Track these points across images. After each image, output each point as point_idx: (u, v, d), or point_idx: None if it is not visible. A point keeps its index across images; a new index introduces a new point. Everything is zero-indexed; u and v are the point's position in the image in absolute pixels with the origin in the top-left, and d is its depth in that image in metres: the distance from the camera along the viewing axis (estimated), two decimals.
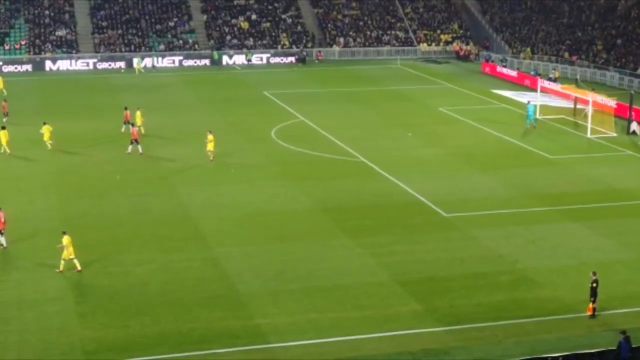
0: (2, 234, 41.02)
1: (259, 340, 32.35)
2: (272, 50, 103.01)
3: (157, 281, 37.39)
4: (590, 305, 33.97)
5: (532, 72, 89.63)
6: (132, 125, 60.28)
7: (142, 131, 62.36)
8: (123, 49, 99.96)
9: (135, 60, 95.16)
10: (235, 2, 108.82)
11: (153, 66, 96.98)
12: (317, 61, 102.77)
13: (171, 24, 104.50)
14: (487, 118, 69.98)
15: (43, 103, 76.47)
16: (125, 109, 64.55)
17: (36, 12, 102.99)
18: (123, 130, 62.75)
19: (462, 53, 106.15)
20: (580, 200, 49.08)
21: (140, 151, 57.96)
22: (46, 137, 59.36)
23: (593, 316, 34.01)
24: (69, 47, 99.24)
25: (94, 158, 57.28)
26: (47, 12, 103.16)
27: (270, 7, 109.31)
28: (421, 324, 33.70)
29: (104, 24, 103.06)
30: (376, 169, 54.96)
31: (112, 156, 57.51)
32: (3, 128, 59.33)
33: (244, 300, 35.57)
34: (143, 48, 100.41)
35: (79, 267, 38.34)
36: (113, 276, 37.87)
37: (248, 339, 32.38)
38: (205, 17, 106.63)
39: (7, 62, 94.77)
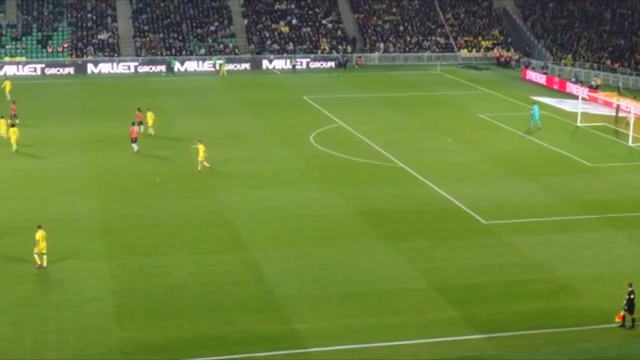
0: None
1: (296, 344, 32.38)
2: (312, 55, 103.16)
3: (195, 283, 37.56)
4: (622, 313, 33.65)
5: (573, 79, 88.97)
6: (133, 124, 60.69)
7: (151, 131, 63.81)
8: (164, 53, 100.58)
9: (219, 63, 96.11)
10: (276, 7, 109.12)
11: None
12: (357, 66, 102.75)
13: (212, 28, 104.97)
14: (527, 124, 69.50)
15: (85, 106, 77.08)
16: (138, 110, 65.19)
17: (79, 15, 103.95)
18: (142, 130, 63.13)
19: (502, 59, 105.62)
20: (621, 208, 48.65)
21: (136, 149, 58.94)
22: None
23: (623, 325, 33.69)
24: (111, 51, 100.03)
25: (134, 160, 57.62)
26: (89, 15, 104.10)
27: (310, 12, 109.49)
28: (458, 331, 33.55)
29: (146, 27, 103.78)
30: (414, 174, 54.84)
31: (152, 159, 57.83)
32: (12, 126, 60.69)
33: (281, 304, 35.64)
34: (184, 52, 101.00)
35: (44, 264, 38.77)
36: (152, 278, 38.10)
37: (284, 343, 32.41)
38: (245, 21, 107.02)
39: (50, 65, 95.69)
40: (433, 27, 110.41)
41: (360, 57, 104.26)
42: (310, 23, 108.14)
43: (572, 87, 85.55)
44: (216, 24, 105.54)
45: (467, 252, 41.74)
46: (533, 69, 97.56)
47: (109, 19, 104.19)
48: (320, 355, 31.71)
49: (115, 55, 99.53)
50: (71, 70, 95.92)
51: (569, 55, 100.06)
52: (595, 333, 33.47)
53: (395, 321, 34.30)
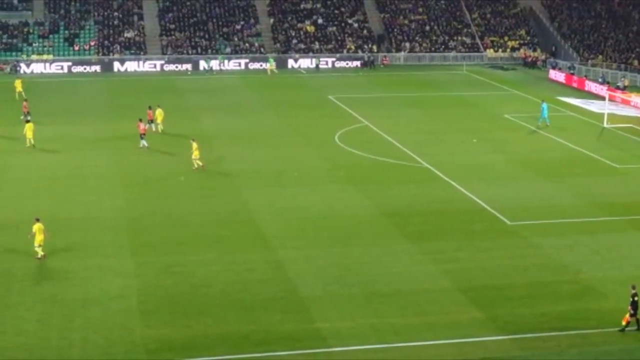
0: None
1: (320, 344, 32.43)
2: (337, 54, 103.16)
3: (220, 282, 37.68)
4: (627, 316, 33.44)
5: (600, 80, 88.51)
6: (140, 120, 61.10)
7: (160, 129, 64.57)
8: (190, 52, 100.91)
9: (269, 64, 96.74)
10: (301, 6, 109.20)
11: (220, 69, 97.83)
12: (382, 66, 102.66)
13: (238, 27, 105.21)
14: (553, 125, 69.22)
15: (111, 104, 77.47)
16: (149, 108, 65.66)
17: (106, 13, 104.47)
18: (153, 129, 63.60)
19: (529, 60, 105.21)
20: None
21: (147, 145, 59.84)
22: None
23: (623, 330, 33.42)
24: (137, 49, 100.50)
25: (160, 158, 57.86)
26: (116, 14, 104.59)
27: (336, 11, 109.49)
28: (483, 332, 33.49)
29: (172, 26, 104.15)
30: (440, 174, 54.75)
31: (177, 157, 58.04)
32: (28, 122, 61.33)
33: (305, 304, 35.69)
34: (210, 51, 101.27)
35: (39, 255, 39.71)
36: (177, 276, 38.26)
37: (308, 343, 32.46)
38: (271, 20, 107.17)
39: (77, 63, 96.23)
40: (459, 26, 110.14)
41: (385, 56, 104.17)
42: (335, 22, 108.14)
43: (590, 86, 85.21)
44: (242, 22, 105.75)
45: (492, 253, 41.65)
46: (560, 69, 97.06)
47: (136, 18, 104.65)
48: (344, 354, 31.74)
49: (142, 53, 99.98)
50: (97, 68, 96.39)
51: (600, 56, 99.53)
52: (620, 335, 33.29)
53: (419, 321, 34.28)
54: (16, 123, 65.37)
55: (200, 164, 54.85)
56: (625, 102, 76.83)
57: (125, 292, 36.54)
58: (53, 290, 36.59)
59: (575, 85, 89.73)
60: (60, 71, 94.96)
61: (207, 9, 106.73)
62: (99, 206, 47.84)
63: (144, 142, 60.02)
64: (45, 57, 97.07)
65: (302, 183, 52.75)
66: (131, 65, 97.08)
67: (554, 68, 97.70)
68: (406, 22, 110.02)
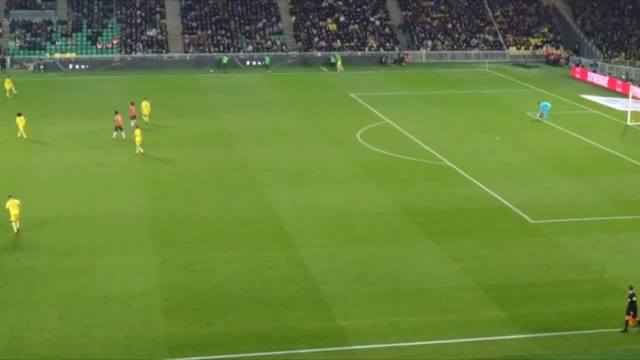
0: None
1: (341, 342, 32.42)
2: (359, 52, 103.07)
3: (242, 280, 37.74)
4: (629, 317, 33.14)
5: (623, 77, 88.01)
6: (117, 112, 62.44)
7: (146, 120, 66.54)
8: (212, 50, 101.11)
9: (336, 59, 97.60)
10: (323, 4, 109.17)
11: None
12: (404, 64, 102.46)
13: (259, 25, 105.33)
14: (576, 123, 68.97)
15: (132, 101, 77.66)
16: (132, 104, 66.48)
17: (128, 12, 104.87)
18: (132, 125, 63.72)
19: (551, 57, 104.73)
20: None
21: (124, 137, 61.21)
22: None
23: (625, 330, 33.19)
24: (159, 47, 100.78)
25: (181, 156, 58.01)
26: (138, 12, 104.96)
27: (358, 9, 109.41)
28: (504, 331, 33.38)
29: (194, 24, 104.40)
30: (462, 173, 54.60)
31: (199, 155, 58.19)
32: (19, 115, 62.47)
33: (327, 302, 35.69)
34: (232, 49, 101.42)
35: (15, 230, 42.06)
36: (199, 274, 38.35)
37: (330, 341, 32.48)
38: (293, 18, 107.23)
39: (99, 61, 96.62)
40: (481, 24, 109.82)
41: (407, 54, 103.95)
42: (357, 20, 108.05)
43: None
44: (264, 21, 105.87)
45: (514, 252, 41.50)
46: (582, 67, 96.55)
47: (158, 16, 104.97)
48: (365, 352, 31.73)
49: (164, 51, 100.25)
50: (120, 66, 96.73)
51: (623, 54, 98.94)
52: None
53: (440, 320, 34.21)
54: (35, 122, 65.65)
55: (142, 151, 57.45)
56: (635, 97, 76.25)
57: (148, 289, 36.67)
58: (75, 287, 36.75)
59: (598, 82, 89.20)
60: (83, 69, 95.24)
61: (229, 7, 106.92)
62: (122, 204, 48.01)
63: (116, 134, 61.71)
64: (68, 55, 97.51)
65: (324, 181, 52.75)
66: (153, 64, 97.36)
67: (577, 66, 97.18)
68: (428, 19, 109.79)
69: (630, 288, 33.47)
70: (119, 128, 61.79)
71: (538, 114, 71.02)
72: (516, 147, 61.68)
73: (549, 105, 71.70)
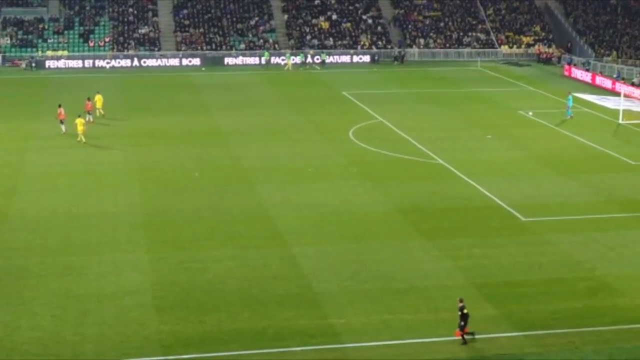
0: None
1: (333, 339, 32.45)
2: (352, 50, 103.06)
3: (234, 278, 37.74)
4: (456, 331, 32.44)
5: (614, 76, 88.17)
6: (60, 105, 63.28)
7: (101, 112, 68.15)
8: (204, 48, 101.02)
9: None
10: (315, 2, 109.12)
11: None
12: (396, 62, 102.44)
13: (252, 23, 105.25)
14: (568, 122, 69.07)
15: (125, 99, 77.59)
16: (88, 99, 67.61)
17: (120, 10, 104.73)
18: (91, 120, 65.84)
19: (544, 56, 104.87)
20: None
21: (64, 130, 62.32)
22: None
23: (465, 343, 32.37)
24: (152, 45, 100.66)
25: (174, 154, 57.97)
26: (130, 10, 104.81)
27: (351, 7, 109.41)
28: (497, 329, 33.45)
29: (186, 22, 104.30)
30: (454, 171, 54.66)
31: (192, 153, 58.16)
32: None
33: (319, 300, 35.72)
34: (224, 47, 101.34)
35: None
36: (191, 272, 38.34)
37: (322, 338, 32.50)
38: (286, 16, 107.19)
39: (91, 59, 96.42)
40: (474, 22, 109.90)
41: (405, 52, 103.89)
42: (350, 18, 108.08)
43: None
44: (256, 19, 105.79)
45: (507, 250, 41.57)
46: (574, 65, 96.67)
47: (150, 14, 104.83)
48: (357, 350, 31.75)
49: (156, 49, 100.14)
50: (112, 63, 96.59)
51: (614, 52, 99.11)
52: (635, 332, 33.22)
53: (433, 318, 34.26)
54: (31, 119, 65.58)
55: (83, 140, 59.42)
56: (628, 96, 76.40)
57: (140, 287, 36.65)
58: (68, 285, 36.71)
59: (590, 81, 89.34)
60: (75, 67, 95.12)
61: (222, 5, 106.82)
62: (115, 202, 47.96)
63: (63, 127, 62.45)
64: (60, 53, 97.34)
65: (317, 179, 52.77)
66: (145, 62, 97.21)
67: (569, 64, 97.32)
68: (420, 18, 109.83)
69: (461, 301, 32.59)
70: (61, 122, 62.46)
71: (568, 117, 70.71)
72: (509, 146, 61.78)
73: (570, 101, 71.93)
